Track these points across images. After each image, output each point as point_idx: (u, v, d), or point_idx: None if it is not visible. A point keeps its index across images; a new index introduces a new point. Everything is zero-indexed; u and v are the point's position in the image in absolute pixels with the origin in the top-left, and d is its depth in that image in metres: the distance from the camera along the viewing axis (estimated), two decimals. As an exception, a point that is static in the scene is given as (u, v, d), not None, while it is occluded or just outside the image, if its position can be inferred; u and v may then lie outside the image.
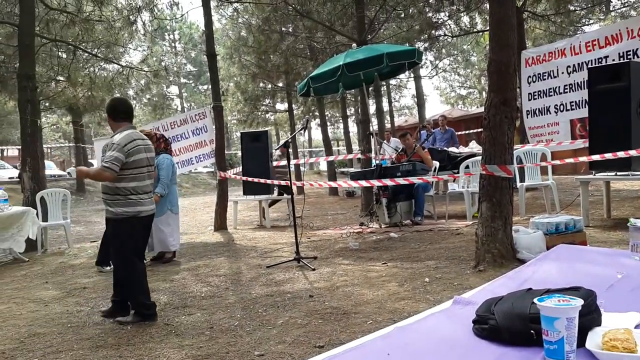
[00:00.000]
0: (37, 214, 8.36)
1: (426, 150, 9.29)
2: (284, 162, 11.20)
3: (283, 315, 4.11)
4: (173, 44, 44.98)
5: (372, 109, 20.92)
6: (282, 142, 6.82)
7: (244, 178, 9.71)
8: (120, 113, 4.40)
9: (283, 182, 9.42)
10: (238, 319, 4.14)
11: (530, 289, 1.56)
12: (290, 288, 5.00)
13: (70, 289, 5.78)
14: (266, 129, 21.61)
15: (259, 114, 25.52)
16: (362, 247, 6.91)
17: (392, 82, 28.94)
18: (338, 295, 4.57)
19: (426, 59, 24.14)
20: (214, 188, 27.10)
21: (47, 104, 17.58)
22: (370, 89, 12.05)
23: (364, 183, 8.29)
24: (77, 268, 7.08)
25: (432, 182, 8.84)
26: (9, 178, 24.52)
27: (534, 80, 9.69)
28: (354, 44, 10.99)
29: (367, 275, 5.25)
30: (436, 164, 9.06)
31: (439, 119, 13.14)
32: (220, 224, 9.76)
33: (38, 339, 4.05)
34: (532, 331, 1.32)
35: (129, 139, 4.21)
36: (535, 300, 1.31)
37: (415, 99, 28.20)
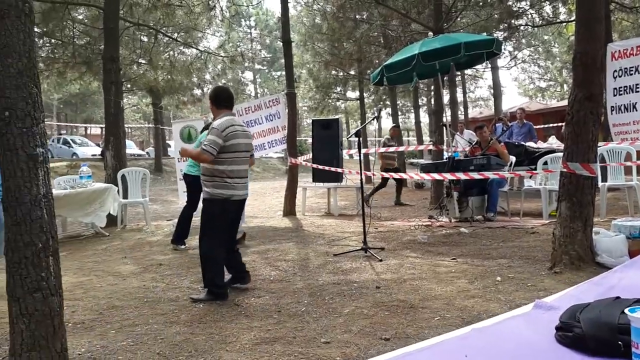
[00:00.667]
0: (118, 191, 8.80)
1: (502, 144, 9.00)
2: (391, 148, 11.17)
3: (349, 305, 4.13)
4: (249, 30, 45.80)
5: (445, 99, 20.50)
6: (353, 130, 6.80)
7: (314, 165, 9.79)
8: (223, 100, 4.63)
9: (346, 171, 9.44)
10: (305, 304, 4.19)
11: (619, 297, 1.48)
12: (357, 278, 5.01)
13: (147, 264, 6.05)
14: (337, 116, 21.63)
15: (330, 101, 25.61)
16: (430, 240, 6.82)
17: (468, 72, 28.15)
18: (405, 288, 4.53)
19: (505, 49, 23.32)
20: (283, 173, 27.54)
21: (128, 86, 18.37)
22: (444, 78, 11.79)
23: (435, 175, 8.15)
24: (153, 245, 7.40)
25: (507, 177, 8.56)
26: (92, 155, 25.92)
27: (620, 75, 9.13)
28: (430, 33, 10.77)
29: (435, 270, 5.17)
30: (512, 159, 8.76)
31: (516, 112, 12.67)
32: (289, 209, 9.90)
33: (116, 311, 4.28)
34: (620, 342, 1.25)
35: (227, 124, 4.43)
36: (625, 310, 1.24)
37: (492, 90, 27.36)
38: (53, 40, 12.21)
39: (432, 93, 24.75)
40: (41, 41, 11.90)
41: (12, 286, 2.77)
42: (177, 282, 5.13)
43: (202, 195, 4.67)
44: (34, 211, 2.76)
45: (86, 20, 12.49)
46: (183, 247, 6.95)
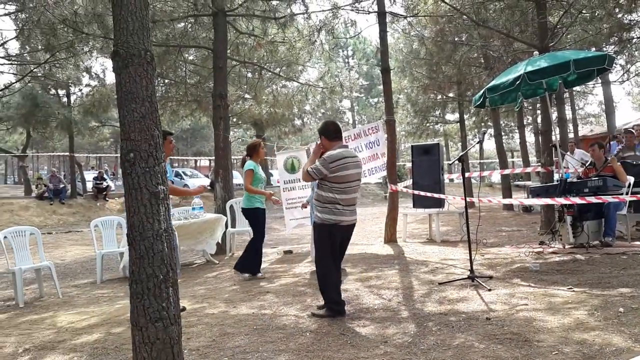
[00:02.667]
0: (226, 221, 9.22)
1: (619, 163, 8.39)
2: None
3: (458, 337, 4.00)
4: (346, 60, 46.62)
5: (553, 117, 19.53)
6: (454, 154, 6.67)
7: (415, 192, 9.68)
8: (333, 133, 5.02)
9: (450, 197, 9.22)
10: (411, 335, 4.12)
11: None
12: (465, 308, 4.85)
13: (255, 292, 6.24)
14: (436, 140, 21.24)
15: (429, 125, 25.29)
16: (543, 268, 6.46)
17: (576, 88, 26.68)
18: (518, 321, 4.32)
19: (616, 63, 21.88)
20: (382, 199, 27.44)
21: (234, 120, 19.30)
22: (552, 96, 11.28)
23: (548, 200, 7.73)
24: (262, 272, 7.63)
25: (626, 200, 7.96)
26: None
27: None
28: (536, 52, 10.38)
29: (550, 301, 4.88)
30: (631, 179, 8.14)
31: (634, 128, 11.79)
32: (390, 236, 9.83)
33: (228, 338, 4.43)
34: None
35: (339, 156, 4.81)
36: None
37: (603, 107, 25.67)
38: (167, 81, 13.16)
39: (538, 112, 23.69)
40: (156, 81, 12.89)
41: (135, 315, 2.97)
42: (285, 310, 5.23)
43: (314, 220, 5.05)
44: (156, 245, 2.96)
45: (196, 61, 13.35)
46: (247, 275, 7.20)
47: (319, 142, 5.20)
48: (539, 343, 3.72)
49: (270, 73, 12.91)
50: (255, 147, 7.42)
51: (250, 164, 7.29)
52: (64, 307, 6.46)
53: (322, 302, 5.08)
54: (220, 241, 9.30)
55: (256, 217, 7.26)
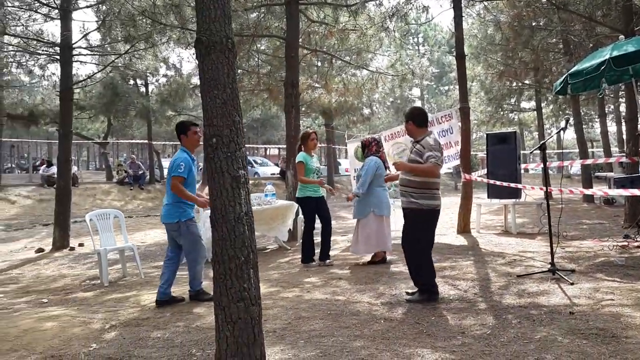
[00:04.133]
0: (298, 209, 9.32)
1: None
2: None
3: (540, 330, 3.86)
4: (417, 47, 45.82)
5: (638, 104, 18.39)
6: (529, 143, 6.40)
7: (491, 181, 9.41)
8: (423, 121, 5.06)
9: (528, 186, 8.87)
10: (490, 327, 4.02)
11: None
12: (546, 301, 4.68)
13: (327, 278, 6.29)
14: (510, 129, 20.52)
15: (503, 113, 24.50)
16: (628, 263, 6.13)
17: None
18: (604, 316, 4.12)
19: None
20: (452, 189, 26.89)
21: (303, 109, 19.44)
22: (638, 83, 10.59)
23: (635, 191, 7.31)
24: (332, 259, 7.67)
25: None
26: (271, 174, 27.85)
27: None
28: (621, 36, 9.78)
29: (638, 296, 4.63)
30: None
31: None
32: (463, 226, 9.62)
33: (303, 322, 4.50)
34: None
35: (438, 142, 4.96)
36: None
37: (696, 92, 23.89)
38: (240, 70, 13.43)
39: (621, 100, 22.39)
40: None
41: (218, 295, 3.06)
42: (358, 297, 5.24)
43: (404, 206, 5.03)
44: (237, 228, 3.03)
45: (267, 51, 13.53)
46: (314, 263, 7.25)
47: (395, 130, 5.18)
48: (627, 339, 3.54)
49: (340, 61, 12.88)
50: (306, 137, 7.44)
51: (300, 155, 7.34)
52: (146, 286, 6.77)
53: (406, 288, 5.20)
54: (291, 228, 9.43)
55: (306, 206, 7.32)
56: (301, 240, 7.49)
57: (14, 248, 11.90)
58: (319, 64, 14.44)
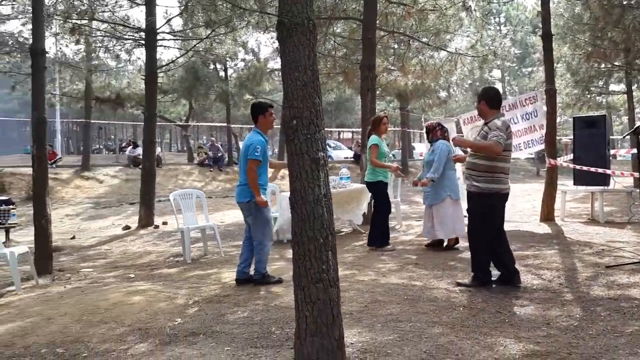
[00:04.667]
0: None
1: None
2: None
3: (632, 324, 3.65)
4: (498, 27, 44.07)
5: None
6: (620, 130, 5.99)
7: (578, 167, 8.94)
8: (495, 101, 4.92)
9: (617, 172, 8.35)
10: (577, 319, 3.84)
11: None
12: (638, 294, 4.40)
13: (403, 263, 6.24)
14: (597, 112, 19.38)
15: (590, 96, 23.16)
16: None
17: None
18: None
19: None
20: (533, 175, 25.85)
21: (378, 92, 19.24)
22: None
23: None
24: (407, 244, 7.60)
25: None
26: (345, 158, 27.88)
27: None
28: None
29: None
30: None
31: None
32: (546, 214, 9.22)
33: (379, 306, 4.48)
34: None
35: (506, 125, 4.78)
36: None
37: None
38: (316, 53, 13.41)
39: None
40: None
41: (297, 275, 3.10)
42: (435, 283, 5.16)
43: (468, 190, 4.94)
44: (316, 209, 3.04)
45: (343, 33, 13.45)
46: (389, 247, 7.20)
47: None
48: None
49: (418, 43, 12.60)
50: (377, 121, 7.35)
51: (374, 138, 7.26)
52: (226, 264, 6.99)
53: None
54: (366, 212, 9.40)
55: (379, 191, 7.26)
56: (371, 227, 7.42)
57: (102, 225, 12.65)
58: (396, 46, 14.18)
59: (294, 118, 3.05)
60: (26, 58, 18.58)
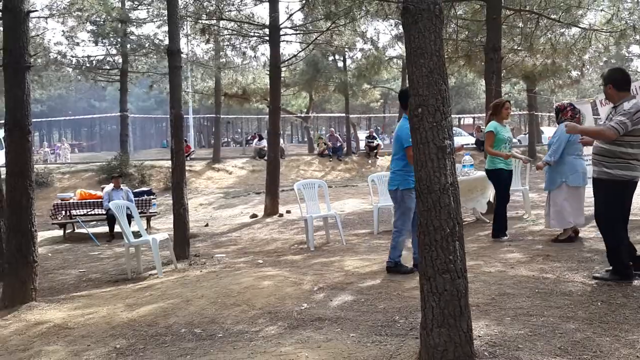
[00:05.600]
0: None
1: None
2: None
3: None
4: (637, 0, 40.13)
5: None
6: None
7: None
8: (623, 83, 4.57)
9: None
10: None
11: None
12: None
13: (533, 254, 5.94)
14: None
15: None
16: None
17: None
18: None
19: None
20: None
21: (502, 74, 18.33)
22: None
23: None
24: (536, 234, 7.22)
25: None
26: (465, 144, 26.96)
27: None
28: None
29: None
30: None
31: None
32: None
33: (508, 298, 4.31)
34: None
35: (638, 108, 4.37)
36: None
37: None
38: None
39: None
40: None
41: (423, 266, 3.07)
42: (569, 276, 4.86)
43: (595, 177, 4.66)
44: (443, 199, 2.99)
45: (464, 15, 12.99)
46: (505, 238, 6.93)
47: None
48: None
49: (547, 20, 11.82)
50: (499, 106, 6.95)
51: (491, 125, 6.90)
52: (347, 253, 7.11)
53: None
54: (491, 200, 9.05)
55: (497, 179, 6.93)
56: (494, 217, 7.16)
57: (231, 214, 13.40)
58: (522, 24, 13.42)
59: (420, 106, 3.01)
60: (161, 59, 20.18)
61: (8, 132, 5.36)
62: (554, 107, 7.22)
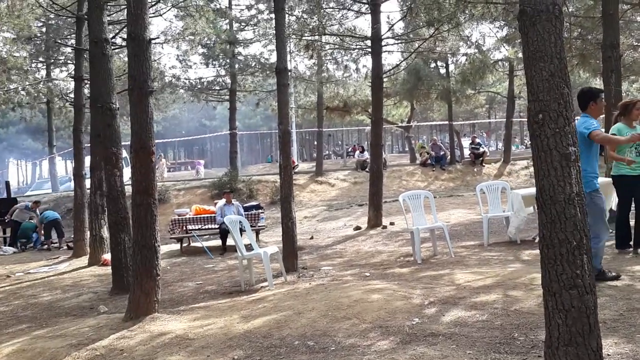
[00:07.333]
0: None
1: None
2: None
3: None
4: None
5: None
6: None
7: None
8: None
9: None
10: None
11: None
12: None
13: None
14: None
15: None
16: None
17: None
18: None
19: None
20: None
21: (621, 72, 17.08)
22: None
23: None
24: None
25: None
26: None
27: None
28: None
29: None
30: None
31: None
32: None
33: (637, 314, 4.04)
34: None
35: None
36: None
37: None
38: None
39: None
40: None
41: (547, 281, 2.89)
42: None
43: None
44: (568, 209, 2.80)
45: (576, 12, 12.30)
46: (638, 250, 6.27)
47: None
48: None
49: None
50: (627, 106, 6.27)
51: (615, 127, 6.24)
52: (457, 265, 6.89)
53: None
54: (613, 207, 8.39)
55: (620, 185, 6.34)
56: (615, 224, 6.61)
57: (335, 226, 13.50)
58: (639, 18, 12.48)
59: (540, 112, 2.85)
60: (267, 76, 20.91)
61: (134, 153, 5.76)
62: None
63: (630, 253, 6.31)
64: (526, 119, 3.13)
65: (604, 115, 8.97)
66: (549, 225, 2.85)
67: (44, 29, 20.36)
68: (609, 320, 3.92)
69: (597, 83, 25.27)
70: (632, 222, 6.48)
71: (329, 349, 4.01)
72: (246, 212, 11.45)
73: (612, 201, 8.17)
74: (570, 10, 12.25)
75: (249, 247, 7.96)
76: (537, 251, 3.00)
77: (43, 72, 22.55)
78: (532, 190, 4.88)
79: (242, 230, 8.16)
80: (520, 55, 16.18)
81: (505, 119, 23.90)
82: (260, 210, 12.19)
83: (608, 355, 3.24)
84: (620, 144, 5.72)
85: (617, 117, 6.51)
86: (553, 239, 2.84)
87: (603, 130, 6.30)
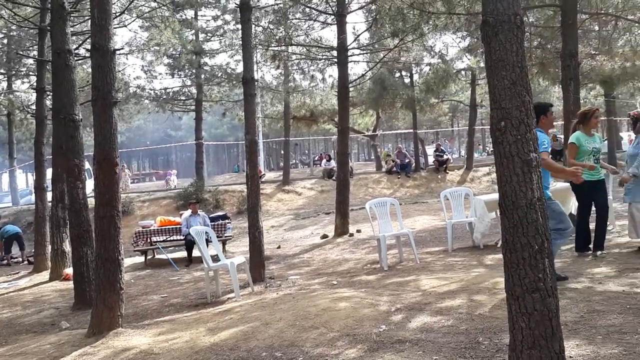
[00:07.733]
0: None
1: None
2: None
3: None
4: None
5: None
6: None
7: None
8: None
9: None
10: None
11: None
12: None
13: (621, 268, 5.60)
14: None
15: None
16: None
17: None
18: None
19: None
20: None
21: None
22: None
23: None
24: (623, 247, 6.85)
25: None
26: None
27: None
28: None
29: None
30: None
31: None
32: None
33: (598, 316, 4.10)
34: None
35: None
36: None
37: None
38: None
39: None
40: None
41: (510, 284, 2.94)
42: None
43: None
44: (530, 214, 2.87)
45: (536, 22, 12.66)
46: (597, 252, 6.43)
47: None
48: None
49: (624, 21, 11.28)
50: (586, 115, 6.46)
51: (574, 136, 6.42)
52: (423, 271, 6.95)
53: None
54: (572, 212, 8.62)
55: (579, 190, 6.43)
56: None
57: (302, 235, 13.46)
58: (597, 28, 12.90)
59: (502, 119, 2.92)
60: (233, 87, 20.78)
61: (97, 165, 5.63)
62: (630, 115, 6.79)
63: (589, 256, 6.47)
64: (488, 127, 3.19)
65: (563, 123, 9.23)
66: (512, 229, 2.91)
67: (5, 41, 19.88)
68: (570, 323, 4.00)
69: (556, 91, 25.97)
70: (592, 226, 6.63)
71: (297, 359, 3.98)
72: (213, 223, 11.32)
73: (572, 206, 8.41)
74: (530, 20, 12.58)
75: (215, 258, 7.86)
76: (500, 255, 3.05)
77: (4, 84, 22.02)
78: (495, 196, 4.98)
79: (208, 241, 8.07)
80: (482, 64, 16.53)
81: (467, 127, 24.34)
82: (227, 221, 12.08)
83: (570, 357, 3.31)
84: (558, 173, 5.89)
85: (576, 125, 6.68)
86: (515, 244, 2.89)
87: (562, 138, 6.47)
